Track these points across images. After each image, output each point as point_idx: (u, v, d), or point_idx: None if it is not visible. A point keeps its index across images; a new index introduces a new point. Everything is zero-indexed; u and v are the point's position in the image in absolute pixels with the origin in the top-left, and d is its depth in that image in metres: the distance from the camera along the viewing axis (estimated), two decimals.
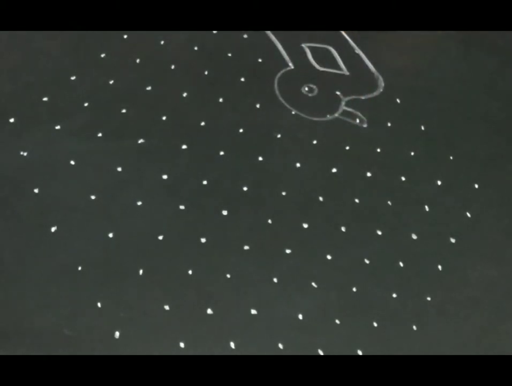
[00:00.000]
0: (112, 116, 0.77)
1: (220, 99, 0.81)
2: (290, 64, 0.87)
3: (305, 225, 0.72)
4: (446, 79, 0.90)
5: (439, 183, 0.79)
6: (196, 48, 0.86)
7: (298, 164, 0.77)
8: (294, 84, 0.85)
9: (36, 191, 0.70)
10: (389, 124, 0.83)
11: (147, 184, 0.73)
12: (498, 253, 0.75)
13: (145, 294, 0.65)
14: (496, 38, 0.95)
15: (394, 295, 0.69)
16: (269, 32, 0.89)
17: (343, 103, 0.84)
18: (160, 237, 0.69)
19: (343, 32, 0.91)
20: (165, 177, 0.74)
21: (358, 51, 0.90)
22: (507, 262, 0.74)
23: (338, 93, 0.85)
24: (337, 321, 0.67)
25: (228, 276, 0.68)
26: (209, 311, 0.65)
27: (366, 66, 0.89)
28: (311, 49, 0.89)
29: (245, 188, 0.74)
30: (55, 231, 0.68)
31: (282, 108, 0.82)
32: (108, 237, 0.68)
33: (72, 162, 0.73)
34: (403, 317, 0.68)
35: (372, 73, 0.88)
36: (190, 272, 0.67)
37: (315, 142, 0.80)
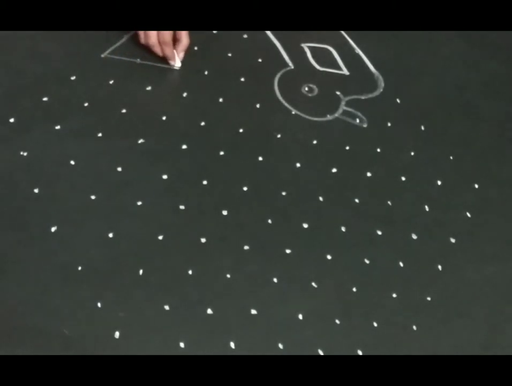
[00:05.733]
0: (112, 116, 0.77)
1: (220, 100, 0.81)
2: (290, 64, 0.87)
3: (305, 225, 0.72)
4: (446, 79, 0.90)
5: (439, 183, 0.79)
6: (196, 48, 0.86)
7: (298, 164, 0.77)
8: (294, 84, 0.85)
9: (36, 191, 0.70)
10: (389, 124, 0.83)
11: (147, 184, 0.73)
12: (498, 253, 0.75)
13: (145, 294, 0.65)
14: (496, 38, 0.95)
15: (394, 295, 0.69)
16: (269, 32, 0.89)
17: (343, 103, 0.84)
18: (160, 237, 0.69)
19: (343, 32, 0.91)
20: (165, 177, 0.74)
21: (358, 51, 0.90)
22: (507, 262, 0.74)
23: (338, 93, 0.85)
24: (337, 321, 0.67)
25: (228, 276, 0.68)
26: (209, 311, 0.65)
27: (366, 66, 0.89)
28: (311, 49, 0.89)
29: (245, 188, 0.74)
30: (55, 231, 0.68)
31: (282, 108, 0.82)
32: (109, 237, 0.68)
33: (72, 162, 0.73)
34: (403, 317, 0.68)
35: (372, 73, 0.88)
36: (190, 272, 0.67)
37: (315, 142, 0.80)
